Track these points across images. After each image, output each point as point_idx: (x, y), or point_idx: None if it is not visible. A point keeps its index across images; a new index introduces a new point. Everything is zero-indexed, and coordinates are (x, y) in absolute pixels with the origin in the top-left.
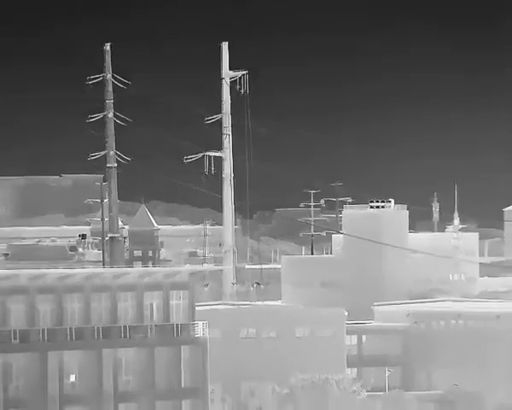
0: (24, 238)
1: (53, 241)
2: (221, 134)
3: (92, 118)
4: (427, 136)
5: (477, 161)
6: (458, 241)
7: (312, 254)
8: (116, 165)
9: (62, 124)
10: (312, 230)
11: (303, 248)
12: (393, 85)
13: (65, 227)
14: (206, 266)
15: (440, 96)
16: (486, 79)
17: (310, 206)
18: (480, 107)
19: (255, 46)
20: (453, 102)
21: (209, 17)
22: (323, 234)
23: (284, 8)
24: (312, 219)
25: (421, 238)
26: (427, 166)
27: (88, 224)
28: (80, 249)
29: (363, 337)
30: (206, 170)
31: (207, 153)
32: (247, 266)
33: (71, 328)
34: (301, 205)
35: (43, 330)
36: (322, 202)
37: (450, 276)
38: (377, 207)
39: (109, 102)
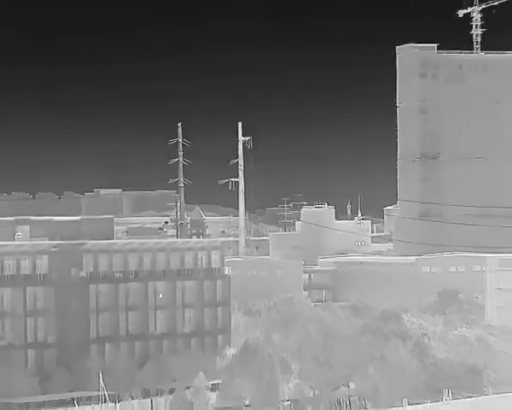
0: (135, 223)
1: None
2: (237, 169)
3: (171, 161)
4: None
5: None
6: (360, 225)
7: (285, 231)
8: (183, 185)
9: (157, 164)
10: (285, 219)
11: (280, 229)
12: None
13: (156, 218)
14: (229, 238)
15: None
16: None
17: (284, 206)
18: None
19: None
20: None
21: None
22: (292, 221)
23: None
24: (286, 213)
25: (342, 223)
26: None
27: (168, 216)
28: (164, 229)
29: (312, 275)
30: (230, 188)
31: (231, 179)
32: (252, 238)
33: (163, 269)
34: (280, 206)
35: (146, 270)
36: (291, 204)
37: (356, 243)
38: (319, 207)
39: (180, 153)
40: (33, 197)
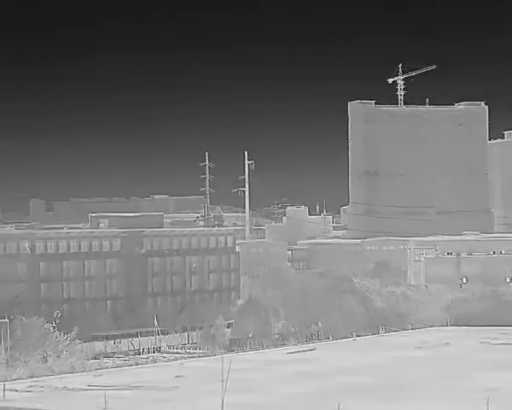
0: (177, 218)
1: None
2: (244, 182)
3: (202, 176)
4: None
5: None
6: (325, 218)
7: (276, 223)
8: (209, 192)
9: (192, 177)
10: (276, 215)
11: (272, 221)
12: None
13: (191, 214)
14: (239, 227)
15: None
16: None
17: (275, 206)
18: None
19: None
20: None
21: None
22: (280, 216)
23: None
24: (276, 211)
25: (312, 218)
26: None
27: (199, 213)
28: (197, 221)
29: (293, 251)
30: (239, 194)
31: (240, 188)
32: (253, 227)
33: (195, 248)
34: (272, 206)
35: (184, 248)
36: (279, 205)
37: (322, 231)
38: (298, 207)
39: (207, 171)
40: (110, 200)
